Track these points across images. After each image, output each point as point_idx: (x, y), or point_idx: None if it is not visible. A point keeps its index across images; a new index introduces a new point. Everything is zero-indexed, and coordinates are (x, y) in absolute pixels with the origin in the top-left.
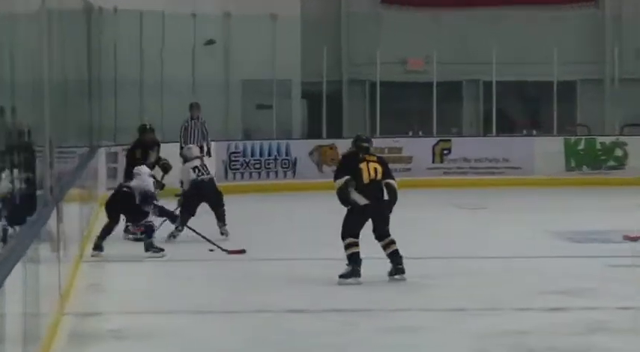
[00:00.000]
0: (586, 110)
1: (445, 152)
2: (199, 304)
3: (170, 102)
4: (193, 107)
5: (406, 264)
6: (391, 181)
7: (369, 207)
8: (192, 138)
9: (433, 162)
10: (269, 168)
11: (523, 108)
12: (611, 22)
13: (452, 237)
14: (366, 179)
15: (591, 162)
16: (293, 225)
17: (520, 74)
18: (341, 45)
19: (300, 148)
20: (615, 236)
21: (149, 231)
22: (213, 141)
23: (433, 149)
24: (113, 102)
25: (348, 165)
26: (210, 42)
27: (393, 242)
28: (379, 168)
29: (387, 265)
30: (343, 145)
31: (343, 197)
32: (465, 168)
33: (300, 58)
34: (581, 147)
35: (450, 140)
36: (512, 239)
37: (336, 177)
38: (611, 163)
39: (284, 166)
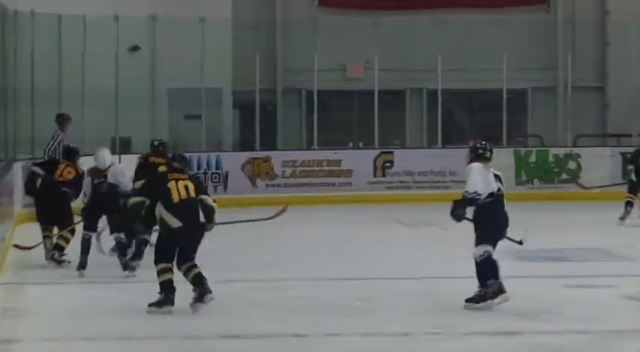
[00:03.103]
0: (538, 120)
1: (387, 165)
2: (122, 328)
3: (92, 112)
4: (67, 119)
5: (345, 285)
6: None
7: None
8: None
9: (375, 176)
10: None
11: (470, 117)
12: (563, 25)
13: (395, 257)
14: (176, 198)
15: (543, 175)
16: (221, 245)
17: (467, 81)
18: (275, 51)
19: (232, 161)
20: (570, 254)
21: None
22: (136, 154)
23: (374, 162)
24: (30, 113)
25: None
26: (135, 48)
27: (195, 266)
28: (190, 186)
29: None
30: (278, 157)
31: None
32: (408, 183)
33: (232, 64)
34: (532, 159)
35: (392, 152)
36: (459, 258)
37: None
38: (565, 176)
39: (214, 181)
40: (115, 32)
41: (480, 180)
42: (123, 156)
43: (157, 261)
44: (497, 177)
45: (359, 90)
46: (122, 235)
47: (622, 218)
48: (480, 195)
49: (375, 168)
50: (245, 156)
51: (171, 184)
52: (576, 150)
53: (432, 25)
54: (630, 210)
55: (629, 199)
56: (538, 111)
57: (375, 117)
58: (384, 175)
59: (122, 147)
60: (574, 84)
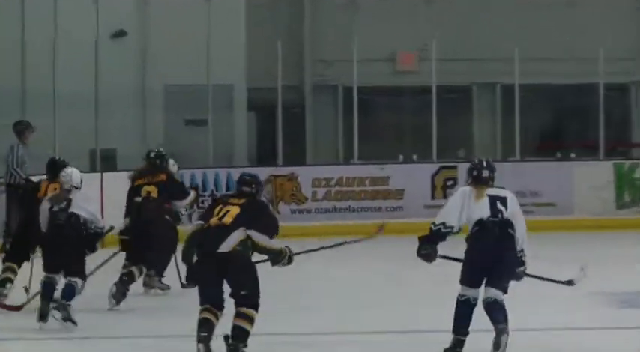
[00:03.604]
0: None
1: (449, 184)
2: None
3: (65, 118)
4: (27, 127)
5: (393, 340)
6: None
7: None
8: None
9: (433, 197)
10: (203, 208)
11: (557, 121)
12: None
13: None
14: (207, 225)
15: None
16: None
17: (552, 75)
18: (302, 36)
19: None
20: None
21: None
22: (122, 171)
23: (433, 180)
24: None
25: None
26: (121, 34)
27: (238, 314)
28: (232, 212)
29: None
30: (307, 175)
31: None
32: None
33: (246, 54)
34: (638, 175)
35: (455, 167)
36: (543, 304)
37: None
38: None
39: None
40: (95, 14)
41: (452, 208)
42: (105, 175)
43: None
44: (498, 199)
45: (411, 87)
46: (78, 281)
47: None
48: (449, 227)
49: (433, 187)
50: (264, 172)
51: (217, 209)
52: None
53: (505, 1)
54: None
55: None
56: None
57: (432, 121)
58: (444, 196)
59: (105, 162)
60: None
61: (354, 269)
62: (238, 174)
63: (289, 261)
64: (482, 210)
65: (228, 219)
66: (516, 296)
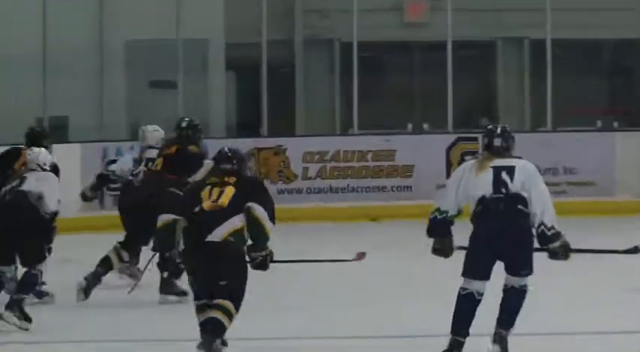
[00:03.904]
0: None
1: (468, 159)
2: None
3: (8, 81)
4: None
5: (391, 346)
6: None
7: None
8: None
9: (448, 175)
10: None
11: (596, 84)
12: None
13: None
14: (198, 209)
15: None
16: None
17: (589, 28)
18: None
19: None
20: None
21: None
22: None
23: (448, 153)
24: None
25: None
26: None
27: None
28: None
29: None
30: (297, 147)
31: None
32: None
33: (224, 3)
34: None
35: (475, 138)
36: (581, 303)
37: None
38: None
39: None
40: None
41: (448, 188)
42: (55, 147)
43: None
44: (504, 169)
45: (422, 42)
46: (41, 269)
47: None
48: (444, 212)
49: (448, 163)
50: (245, 145)
51: (205, 192)
52: None
53: None
54: None
55: None
56: None
57: (447, 83)
58: None
59: (55, 132)
60: None
61: (351, 262)
62: (215, 147)
63: (263, 265)
64: (484, 185)
65: (225, 200)
66: (553, 294)
